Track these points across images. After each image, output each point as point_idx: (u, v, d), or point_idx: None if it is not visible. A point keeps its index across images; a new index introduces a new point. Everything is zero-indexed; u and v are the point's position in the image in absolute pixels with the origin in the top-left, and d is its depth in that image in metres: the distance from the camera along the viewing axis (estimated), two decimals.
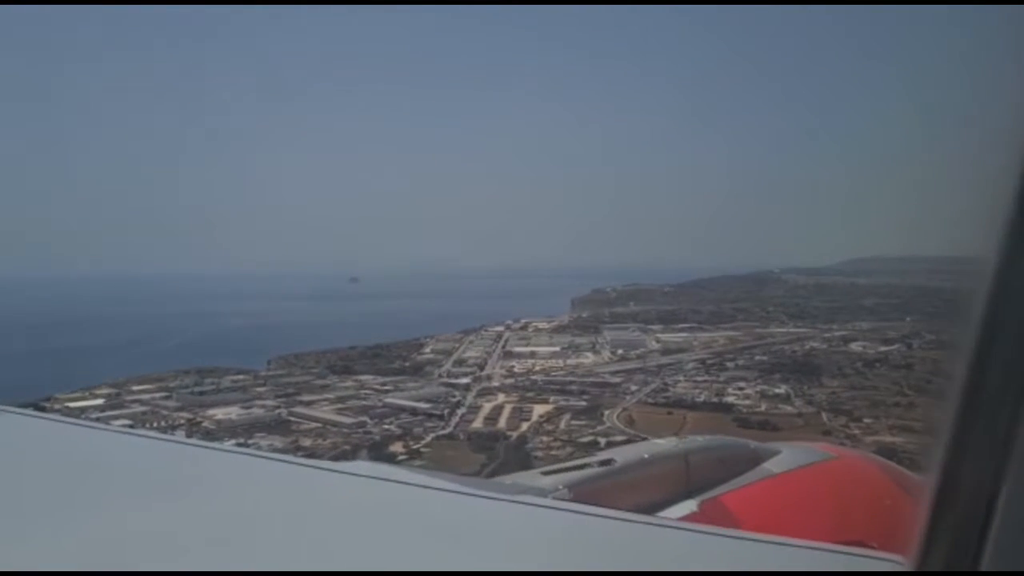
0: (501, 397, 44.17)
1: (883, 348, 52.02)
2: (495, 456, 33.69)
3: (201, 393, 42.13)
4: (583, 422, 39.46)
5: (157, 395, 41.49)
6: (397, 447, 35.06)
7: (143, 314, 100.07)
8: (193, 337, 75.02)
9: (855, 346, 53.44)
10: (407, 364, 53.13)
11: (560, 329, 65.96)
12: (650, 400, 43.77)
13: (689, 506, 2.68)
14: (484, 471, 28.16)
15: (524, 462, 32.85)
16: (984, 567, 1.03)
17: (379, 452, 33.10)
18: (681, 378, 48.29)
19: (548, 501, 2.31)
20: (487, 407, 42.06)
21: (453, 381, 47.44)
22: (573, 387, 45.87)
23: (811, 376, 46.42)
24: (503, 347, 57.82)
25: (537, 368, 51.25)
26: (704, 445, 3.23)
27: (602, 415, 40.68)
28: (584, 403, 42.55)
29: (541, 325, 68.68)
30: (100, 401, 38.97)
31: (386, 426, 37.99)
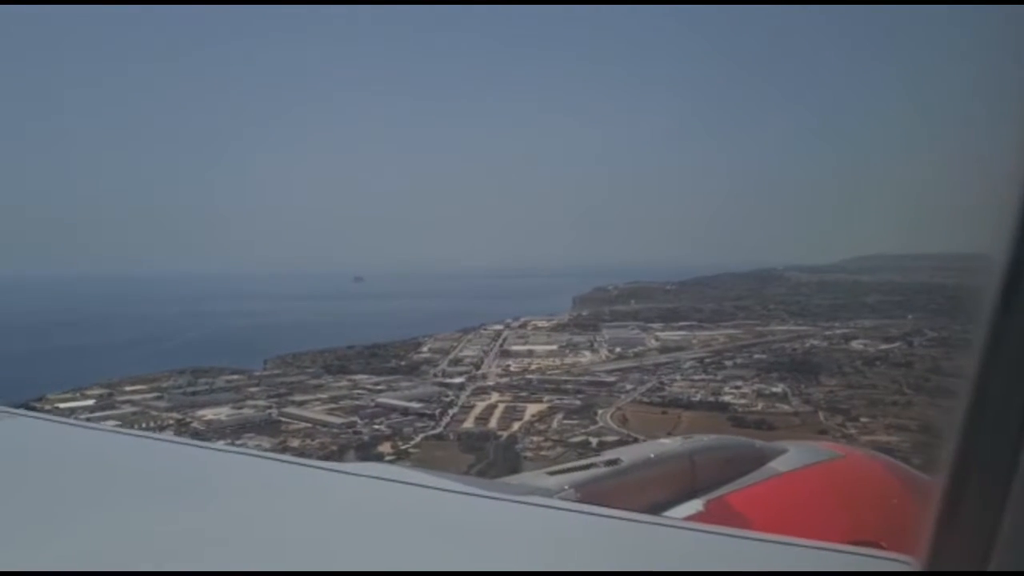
0: (495, 396, 43.86)
1: (884, 346, 51.47)
2: (484, 457, 33.37)
3: (193, 393, 42.04)
4: (575, 421, 39.13)
5: (149, 396, 41.44)
6: (386, 447, 34.83)
7: (145, 314, 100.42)
8: (193, 337, 75.13)
9: (856, 344, 52.92)
10: (403, 363, 52.91)
11: (559, 327, 65.63)
12: (645, 399, 43.40)
13: (695, 506, 2.67)
14: (471, 472, 27.84)
15: (513, 463, 32.57)
16: (994, 567, 1.03)
17: (367, 452, 32.89)
18: (678, 377, 47.85)
19: (554, 501, 2.28)
20: (480, 407, 41.77)
21: (447, 380, 47.18)
22: (568, 386, 45.52)
23: (809, 375, 45.95)
24: (501, 346, 57.54)
25: (533, 367, 50.92)
26: (710, 444, 3.19)
27: (595, 414, 40.33)
28: (578, 402, 42.19)
29: (540, 324, 68.33)
30: (90, 402, 38.93)
31: (376, 426, 37.76)
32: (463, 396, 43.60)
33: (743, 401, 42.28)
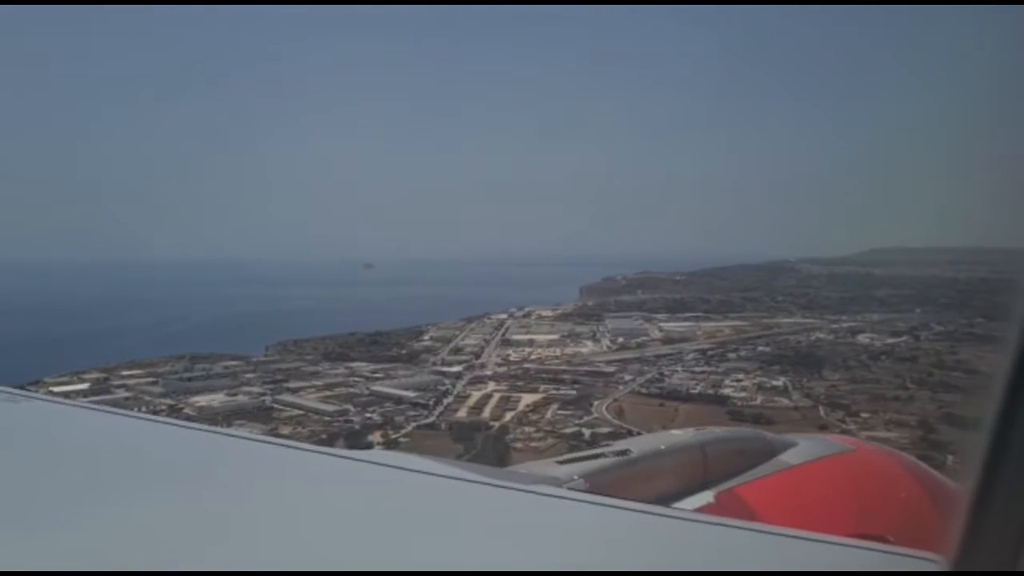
0: (491, 386, 43.46)
1: (891, 340, 50.52)
2: (473, 447, 32.99)
3: (189, 379, 42.03)
4: (569, 412, 38.62)
5: (144, 381, 41.48)
6: (376, 436, 34.56)
7: (156, 298, 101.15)
8: (199, 322, 75.54)
9: (862, 338, 51.98)
10: (404, 352, 52.68)
11: (563, 317, 65.05)
12: (643, 391, 42.82)
13: (705, 497, 2.68)
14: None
15: (502, 453, 32.19)
16: None
17: (357, 441, 32.63)
18: (679, 368, 47.21)
19: (563, 491, 2.23)
20: (475, 396, 41.39)
21: (445, 369, 46.88)
22: (566, 376, 45.02)
23: (812, 368, 45.15)
24: (503, 335, 57.14)
25: (533, 357, 50.48)
26: (721, 436, 3.19)
27: (591, 405, 39.81)
28: (575, 393, 41.69)
29: (545, 313, 67.80)
30: (85, 386, 39.00)
31: (368, 415, 37.51)
32: (459, 385, 43.25)
33: (743, 394, 41.59)
